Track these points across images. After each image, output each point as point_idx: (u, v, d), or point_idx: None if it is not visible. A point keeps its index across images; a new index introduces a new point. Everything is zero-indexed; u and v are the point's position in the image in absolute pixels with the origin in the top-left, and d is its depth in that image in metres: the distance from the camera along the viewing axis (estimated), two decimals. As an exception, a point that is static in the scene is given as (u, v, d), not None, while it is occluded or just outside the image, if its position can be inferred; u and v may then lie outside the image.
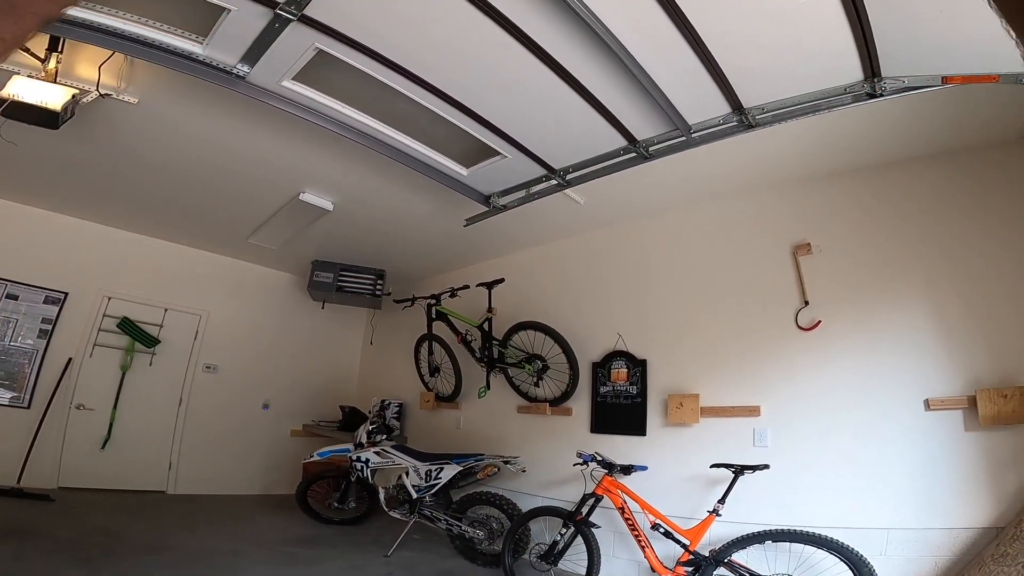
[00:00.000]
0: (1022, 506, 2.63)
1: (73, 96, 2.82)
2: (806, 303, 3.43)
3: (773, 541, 2.85)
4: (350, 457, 4.65)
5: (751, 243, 3.78)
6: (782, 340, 3.46)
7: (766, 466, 3.04)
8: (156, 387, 5.72)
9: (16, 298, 5.05)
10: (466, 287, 4.85)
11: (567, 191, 3.75)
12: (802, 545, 2.84)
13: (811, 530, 2.81)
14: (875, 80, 2.40)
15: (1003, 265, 2.92)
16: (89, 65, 2.89)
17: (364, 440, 4.69)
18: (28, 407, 4.96)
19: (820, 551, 2.76)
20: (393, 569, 3.79)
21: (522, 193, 3.83)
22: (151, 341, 5.67)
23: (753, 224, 3.81)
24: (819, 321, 3.35)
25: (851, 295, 3.30)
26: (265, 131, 3.48)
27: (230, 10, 2.28)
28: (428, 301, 5.07)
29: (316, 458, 4.75)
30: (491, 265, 5.39)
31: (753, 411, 3.43)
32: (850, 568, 2.65)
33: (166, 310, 5.84)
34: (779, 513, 3.11)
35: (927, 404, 2.95)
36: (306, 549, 4.08)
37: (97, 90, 2.98)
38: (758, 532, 2.89)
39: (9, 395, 4.94)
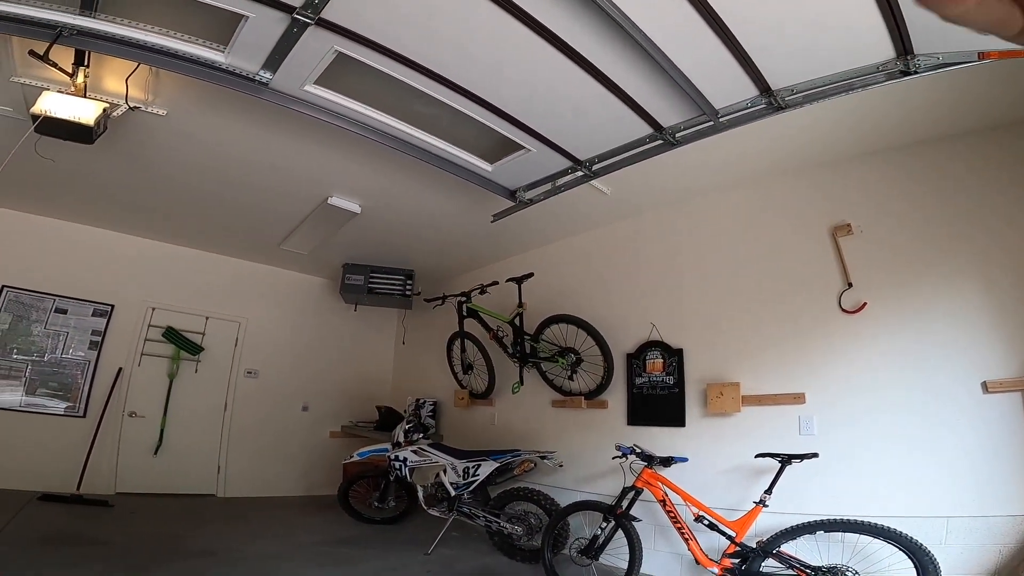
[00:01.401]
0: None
1: (104, 110, 2.90)
2: (849, 285, 3.28)
3: (825, 531, 2.74)
4: (388, 456, 4.69)
5: (786, 226, 3.64)
6: (825, 324, 3.32)
7: (815, 455, 2.92)
8: (202, 393, 5.91)
9: (65, 312, 5.29)
10: (495, 283, 4.83)
11: (593, 182, 3.68)
12: (856, 535, 2.72)
13: (865, 519, 2.68)
14: (908, 57, 2.27)
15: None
16: (116, 78, 2.96)
17: (401, 439, 4.72)
18: (84, 416, 5.19)
19: (876, 541, 2.64)
20: (433, 567, 3.81)
21: (548, 186, 3.78)
22: (195, 348, 5.86)
23: (787, 206, 3.67)
24: (864, 303, 3.20)
25: (897, 275, 3.14)
26: (290, 137, 3.52)
27: (248, 17, 2.30)
28: (458, 299, 5.08)
29: (356, 458, 4.81)
30: (520, 260, 5.35)
31: (798, 398, 3.30)
32: (910, 558, 2.52)
33: (207, 318, 6.03)
34: (830, 503, 2.99)
35: (985, 387, 2.78)
36: (349, 549, 4.14)
37: (126, 103, 3.05)
38: (809, 522, 2.78)
39: (64, 405, 5.17)
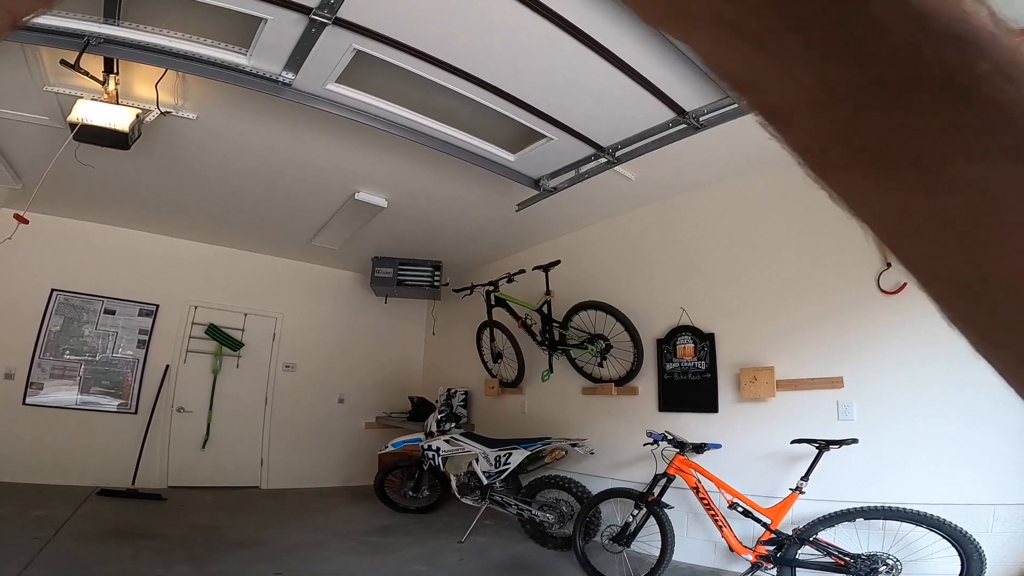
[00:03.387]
0: None
1: (137, 116, 3.00)
2: (888, 265, 3.14)
3: (865, 519, 2.66)
4: (421, 446, 4.77)
5: (814, 205, 3.49)
6: (863, 305, 3.20)
7: (854, 440, 2.83)
8: (244, 388, 6.11)
9: (114, 313, 5.54)
10: (522, 271, 4.83)
11: (617, 168, 3.64)
12: (898, 523, 2.64)
13: (907, 507, 2.60)
14: None
15: None
16: (146, 85, 3.05)
17: (434, 429, 4.80)
18: (135, 412, 5.44)
19: (918, 529, 2.56)
20: (467, 555, 3.88)
21: (571, 174, 3.76)
22: (236, 344, 6.06)
23: (814, 186, 3.53)
24: (904, 284, 3.06)
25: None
26: (316, 135, 3.58)
27: (267, 19, 2.35)
28: (486, 288, 5.10)
29: (391, 448, 4.91)
30: (546, 248, 5.32)
31: (836, 383, 3.20)
32: (954, 546, 2.44)
33: (246, 315, 6.22)
34: (869, 490, 2.90)
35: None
36: (385, 538, 4.23)
37: (158, 108, 3.15)
38: (848, 509, 2.71)
39: (117, 402, 5.44)
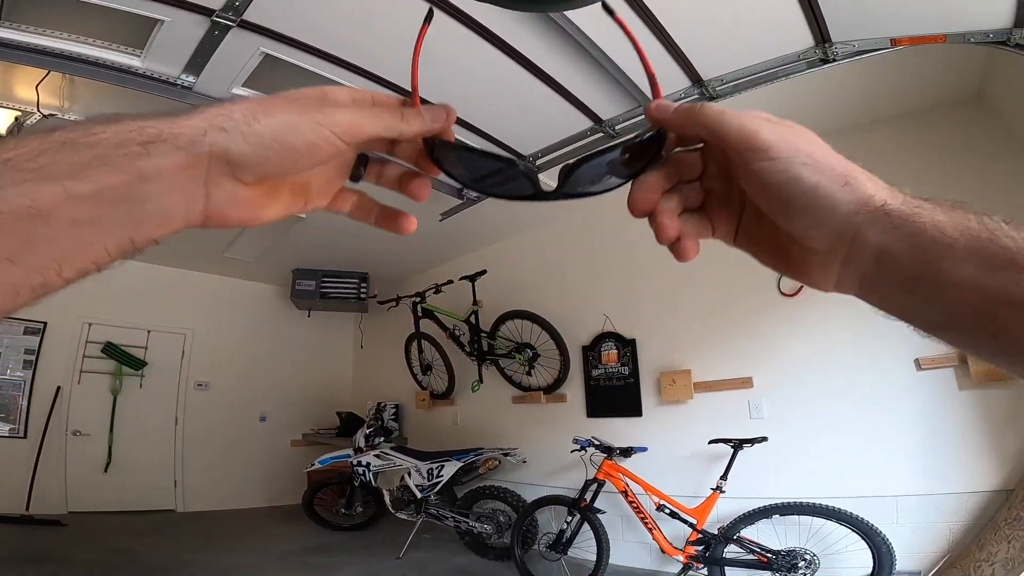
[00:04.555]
0: (1027, 466, 2.60)
1: (16, 118, 2.71)
2: (787, 268, 3.37)
3: (781, 515, 2.83)
4: (351, 462, 4.62)
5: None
6: (768, 308, 3.40)
7: (764, 438, 3.01)
8: (150, 408, 5.65)
9: (-6, 333, 4.96)
10: (450, 282, 4.76)
11: (541, 175, 3.66)
12: (811, 518, 2.81)
13: (818, 501, 2.78)
14: (826, 45, 2.37)
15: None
16: (26, 86, 2.74)
17: (363, 444, 4.65)
18: (25, 437, 4.90)
19: (831, 523, 2.73)
20: (407, 570, 3.79)
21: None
22: (138, 363, 5.59)
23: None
24: (801, 286, 3.28)
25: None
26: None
27: (163, 21, 2.16)
28: (413, 300, 4.99)
29: (317, 466, 4.71)
30: (474, 257, 5.28)
31: (746, 383, 3.39)
32: (863, 538, 2.62)
33: (149, 332, 5.75)
34: (784, 485, 3.09)
35: (918, 364, 2.91)
36: (320, 557, 4.08)
37: (38, 110, 2.85)
38: (765, 507, 2.87)
39: (8, 427, 4.88)
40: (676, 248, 0.42)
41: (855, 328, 3.08)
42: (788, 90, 2.72)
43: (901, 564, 2.62)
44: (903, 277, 0.32)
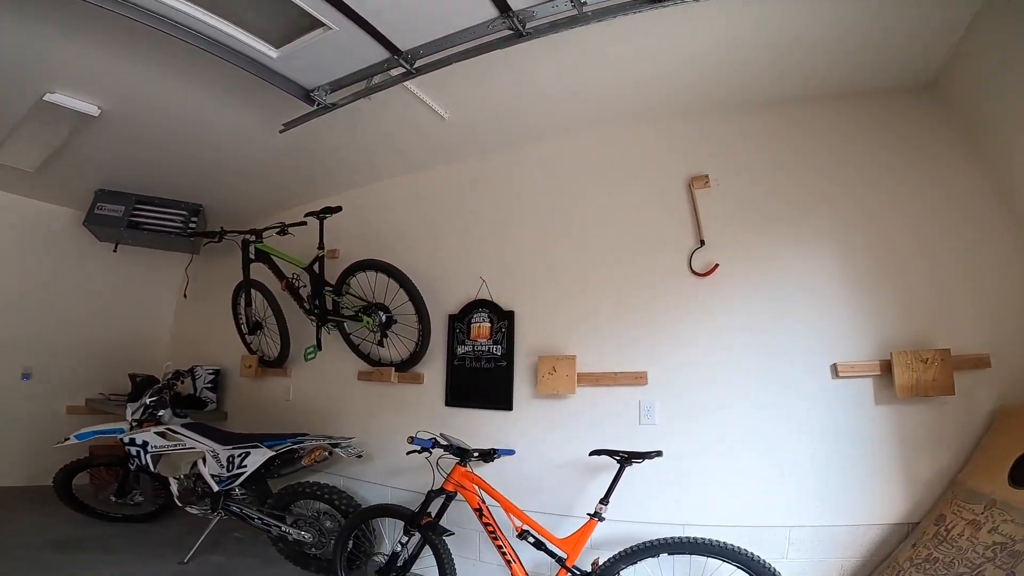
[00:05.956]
0: (938, 499, 2.22)
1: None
2: (702, 243, 2.80)
3: (669, 554, 2.20)
4: (121, 439, 3.45)
5: (639, 174, 3.08)
6: (674, 289, 2.82)
7: (659, 453, 2.36)
8: None
9: None
10: (303, 223, 3.59)
11: (425, 97, 2.85)
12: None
13: (708, 537, 2.19)
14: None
15: (914, 214, 2.55)
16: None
17: (136, 417, 3.50)
18: None
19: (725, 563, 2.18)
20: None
21: (361, 85, 2.74)
22: None
23: (644, 154, 3.11)
24: (716, 265, 2.75)
25: (751, 236, 2.74)
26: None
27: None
28: (244, 236, 3.80)
29: (73, 441, 3.48)
30: (340, 199, 4.06)
31: (639, 378, 2.77)
32: (756, 583, 2.09)
33: None
34: (672, 509, 2.54)
35: (835, 370, 2.47)
36: (69, 555, 3.14)
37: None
38: (650, 543, 2.22)
39: None
40: None
41: (768, 321, 2.62)
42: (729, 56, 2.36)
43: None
44: None
